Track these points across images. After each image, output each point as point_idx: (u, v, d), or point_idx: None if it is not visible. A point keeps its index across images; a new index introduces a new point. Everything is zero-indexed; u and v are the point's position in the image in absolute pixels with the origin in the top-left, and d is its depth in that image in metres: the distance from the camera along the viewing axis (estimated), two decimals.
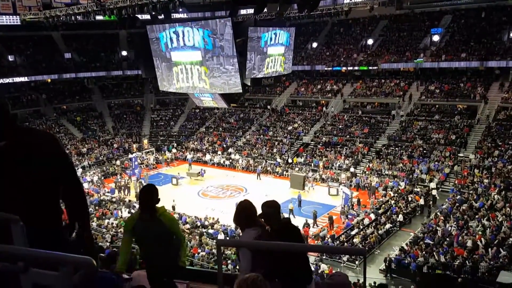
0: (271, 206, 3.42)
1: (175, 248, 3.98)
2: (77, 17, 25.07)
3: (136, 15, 23.34)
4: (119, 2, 22.72)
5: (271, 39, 19.63)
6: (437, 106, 36.13)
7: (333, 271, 16.77)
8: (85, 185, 29.31)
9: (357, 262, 18.77)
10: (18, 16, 32.71)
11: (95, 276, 1.61)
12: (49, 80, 45.48)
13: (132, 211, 25.70)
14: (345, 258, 19.25)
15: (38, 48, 45.04)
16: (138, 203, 3.85)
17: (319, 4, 22.64)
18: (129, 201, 27.81)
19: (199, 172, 33.52)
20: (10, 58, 42.47)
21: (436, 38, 39.47)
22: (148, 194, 3.84)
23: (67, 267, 1.49)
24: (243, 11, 34.58)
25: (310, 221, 23.61)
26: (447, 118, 34.37)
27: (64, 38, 47.12)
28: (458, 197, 24.46)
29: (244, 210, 3.50)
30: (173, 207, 25.77)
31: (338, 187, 28.60)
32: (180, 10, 26.42)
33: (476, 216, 21.20)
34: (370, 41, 43.26)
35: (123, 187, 30.73)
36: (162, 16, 22.30)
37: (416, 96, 37.69)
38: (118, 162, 37.05)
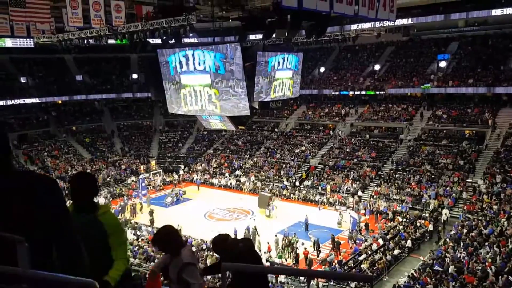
0: (224, 240, 3.66)
1: (106, 258, 2.93)
2: (89, 40, 25.59)
3: (147, 40, 23.77)
4: (130, 27, 23.19)
5: (279, 63, 19.89)
6: (444, 131, 36.01)
7: None
8: None
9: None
10: (32, 39, 33.48)
11: None
12: (60, 102, 46.15)
13: (138, 233, 25.63)
14: (352, 285, 18.91)
15: (50, 70, 45.96)
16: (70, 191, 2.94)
17: (327, 30, 22.94)
18: (135, 223, 27.75)
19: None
20: (23, 79, 43.30)
21: (443, 64, 39.67)
22: (80, 180, 2.94)
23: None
24: (252, 36, 35.11)
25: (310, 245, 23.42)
26: (455, 143, 34.21)
27: (76, 61, 48.08)
28: (467, 222, 24.13)
29: (172, 234, 3.55)
30: (179, 231, 25.55)
31: (345, 212, 28.35)
32: (191, 35, 26.91)
33: (486, 243, 20.82)
34: (377, 67, 43.57)
35: (129, 209, 30.74)
36: (173, 41, 22.72)
37: (424, 121, 37.64)
38: (129, 181, 37.26)
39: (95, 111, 48.27)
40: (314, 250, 23.31)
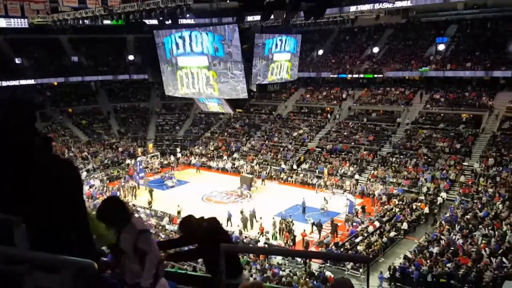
0: (189, 221, 3.56)
1: None
2: (85, 21, 25.27)
3: (143, 20, 23.48)
4: (126, 7, 22.89)
5: (276, 45, 19.66)
6: (442, 114, 36.03)
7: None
8: (88, 188, 29.42)
9: (361, 270, 18.66)
10: (26, 19, 33.00)
11: (97, 280, 1.61)
12: (56, 83, 45.77)
13: (136, 215, 25.73)
14: (349, 266, 19.16)
15: (45, 51, 45.41)
16: None
17: (326, 12, 22.70)
18: (133, 205, 27.85)
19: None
20: (18, 60, 42.82)
21: (441, 47, 39.45)
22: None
23: (68, 270, 1.49)
24: (249, 18, 34.69)
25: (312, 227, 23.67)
26: (452, 127, 34.28)
27: (72, 41, 47.54)
28: (463, 204, 24.37)
29: (117, 204, 3.25)
30: (179, 212, 25.73)
31: (342, 195, 28.56)
32: (188, 15, 26.56)
33: (480, 226, 21.04)
34: (375, 49, 43.31)
35: (127, 191, 30.87)
36: (170, 21, 22.43)
37: (421, 104, 37.61)
38: (128, 161, 37.40)
39: (91, 93, 47.96)
40: (312, 232, 23.55)
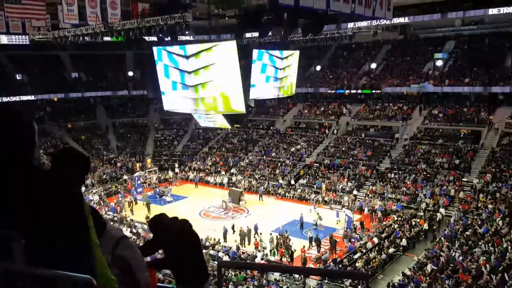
0: (159, 219, 3.31)
1: None
2: (85, 37, 25.50)
3: (143, 37, 23.72)
4: (126, 24, 23.13)
5: (272, 62, 19.88)
6: (440, 130, 36.13)
7: None
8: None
9: (359, 287, 18.47)
10: (27, 36, 33.31)
11: None
12: (56, 99, 45.94)
13: (134, 230, 25.58)
14: (347, 283, 18.97)
15: (45, 67, 45.68)
16: None
17: (323, 29, 22.98)
18: (131, 220, 27.70)
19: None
20: (18, 76, 43.06)
21: (439, 63, 39.80)
22: None
23: (66, 285, 1.49)
24: (248, 34, 35.07)
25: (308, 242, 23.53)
26: (451, 142, 34.31)
27: (72, 58, 47.86)
28: (462, 221, 24.27)
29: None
30: None
31: (341, 210, 28.45)
32: (187, 32, 26.87)
33: (480, 242, 20.93)
34: (373, 65, 43.65)
35: (124, 206, 30.74)
36: (169, 38, 22.66)
37: (420, 120, 37.76)
38: (125, 177, 37.26)
39: (90, 108, 48.10)
40: (310, 247, 23.41)
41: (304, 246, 22.52)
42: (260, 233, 24.33)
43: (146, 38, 26.52)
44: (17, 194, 1.69)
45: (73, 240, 1.76)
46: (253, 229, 24.71)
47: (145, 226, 26.53)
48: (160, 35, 22.69)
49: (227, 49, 17.63)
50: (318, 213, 27.47)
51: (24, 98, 41.56)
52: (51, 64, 46.05)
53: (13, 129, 1.78)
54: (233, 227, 25.25)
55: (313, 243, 23.67)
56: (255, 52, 19.71)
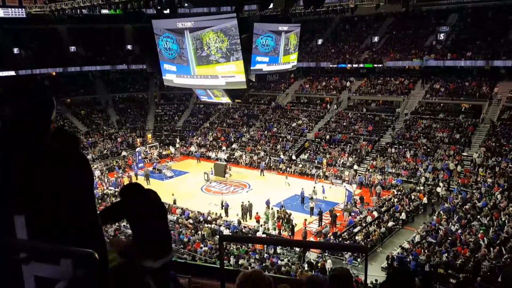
0: (131, 187, 3.26)
1: None
2: (83, 10, 25.10)
3: (141, 9, 23.35)
4: None
5: (262, 45, 19.54)
6: (441, 104, 35.97)
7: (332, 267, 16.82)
8: None
9: (359, 260, 18.76)
10: (23, 9, 32.77)
11: (98, 269, 1.60)
12: (54, 73, 45.59)
13: None
14: (347, 256, 19.24)
15: (43, 41, 45.09)
16: None
17: (325, 1, 22.56)
18: None
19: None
20: (16, 50, 42.57)
21: (442, 36, 39.25)
22: None
23: (68, 259, 1.49)
24: (247, 7, 34.48)
25: (312, 218, 23.78)
26: (452, 117, 34.22)
27: (70, 31, 47.21)
28: (461, 194, 24.45)
29: None
30: (174, 201, 25.92)
31: (341, 185, 28.63)
32: (186, 5, 26.38)
33: (479, 216, 21.14)
34: (375, 39, 43.07)
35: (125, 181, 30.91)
36: (168, 11, 22.29)
37: (421, 94, 37.53)
38: (124, 153, 37.35)
39: (89, 83, 47.79)
40: (311, 216, 23.59)
41: (305, 220, 22.73)
42: (272, 208, 24.48)
43: (145, 11, 26.11)
44: (25, 166, 1.67)
45: (81, 215, 1.76)
46: (265, 204, 24.83)
47: None
48: (159, 7, 22.32)
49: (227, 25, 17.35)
50: (314, 188, 27.64)
51: (22, 72, 41.21)
52: (49, 38, 45.45)
53: (35, 100, 1.75)
54: (222, 203, 25.54)
55: (314, 217, 23.91)
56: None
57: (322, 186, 28.19)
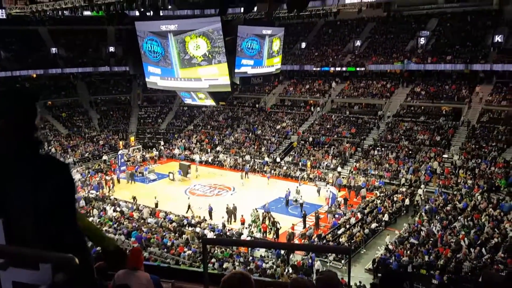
0: None
1: None
2: (64, 12, 24.74)
3: (124, 11, 23.14)
4: None
5: (248, 48, 19.60)
6: (422, 107, 36.58)
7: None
8: None
9: (343, 261, 18.88)
10: (3, 10, 32.08)
11: (78, 275, 1.57)
12: (35, 75, 44.82)
13: (118, 209, 25.50)
14: (331, 257, 19.36)
15: (24, 42, 44.30)
16: None
17: (308, 5, 22.72)
18: (115, 199, 27.57)
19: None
20: None
21: (422, 40, 39.93)
22: None
23: (47, 264, 1.46)
24: (231, 10, 34.50)
25: (297, 221, 23.83)
26: (432, 119, 34.81)
27: (51, 33, 46.53)
28: (443, 196, 24.85)
29: None
30: (156, 205, 25.80)
31: (324, 187, 28.77)
32: (169, 7, 26.27)
33: (460, 217, 21.50)
34: (358, 43, 43.56)
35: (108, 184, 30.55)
36: (151, 13, 22.13)
37: (402, 97, 38.08)
38: (105, 157, 36.91)
39: (71, 85, 47.10)
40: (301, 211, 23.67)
41: (293, 225, 22.72)
42: (257, 210, 24.25)
43: (128, 13, 25.89)
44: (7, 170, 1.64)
45: (60, 217, 1.72)
46: (262, 210, 24.46)
47: (129, 205, 26.49)
48: (142, 9, 22.14)
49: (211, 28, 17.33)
50: (297, 188, 27.70)
51: (1, 74, 40.40)
52: (30, 39, 44.69)
53: (16, 108, 1.73)
54: (188, 206, 25.47)
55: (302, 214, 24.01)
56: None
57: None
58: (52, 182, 1.67)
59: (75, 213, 1.80)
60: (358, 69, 41.31)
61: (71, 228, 1.73)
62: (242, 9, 32.73)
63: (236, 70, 19.10)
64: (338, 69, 42.23)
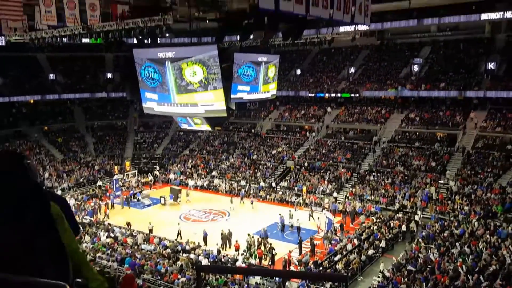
0: None
1: None
2: (63, 39, 25.02)
3: (122, 39, 23.43)
4: (106, 26, 22.79)
5: (244, 74, 19.89)
6: (417, 133, 36.88)
7: None
8: None
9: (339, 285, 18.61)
10: (3, 37, 32.45)
11: None
12: (32, 101, 45.02)
13: (112, 234, 25.21)
14: (327, 285, 19.09)
15: (22, 68, 44.70)
16: None
17: (303, 33, 23.16)
18: (109, 224, 27.29)
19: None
20: None
21: (416, 68, 40.63)
22: None
23: None
24: (228, 38, 35.11)
25: (292, 247, 23.61)
26: (427, 145, 35.04)
27: (49, 59, 47.05)
28: (439, 222, 24.75)
29: None
30: (150, 230, 25.56)
31: (320, 212, 28.63)
32: (167, 35, 26.69)
33: (457, 243, 21.37)
34: (352, 70, 44.25)
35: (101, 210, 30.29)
36: (149, 41, 22.44)
37: (397, 123, 38.43)
38: (100, 183, 36.69)
39: (68, 111, 47.28)
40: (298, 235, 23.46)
41: (290, 251, 22.51)
42: (252, 236, 24.06)
43: (126, 40, 26.20)
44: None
45: (44, 242, 1.72)
46: (258, 236, 24.26)
47: (123, 230, 26.21)
48: (140, 37, 22.45)
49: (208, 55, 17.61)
50: (290, 214, 27.58)
51: (0, 100, 40.61)
52: (28, 65, 45.12)
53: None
54: (178, 232, 25.34)
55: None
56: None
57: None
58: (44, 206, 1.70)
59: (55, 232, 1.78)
60: (352, 95, 41.82)
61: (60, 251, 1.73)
62: (238, 37, 33.31)
63: (232, 96, 19.30)
64: (333, 95, 42.76)
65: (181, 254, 22.25)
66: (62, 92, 45.45)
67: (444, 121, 36.63)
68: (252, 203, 31.61)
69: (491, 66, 36.94)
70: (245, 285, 18.81)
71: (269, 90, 22.22)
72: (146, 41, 22.24)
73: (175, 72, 18.79)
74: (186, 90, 19.22)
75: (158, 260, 21.19)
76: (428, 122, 37.02)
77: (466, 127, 34.96)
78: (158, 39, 23.28)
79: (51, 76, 45.91)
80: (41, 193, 1.75)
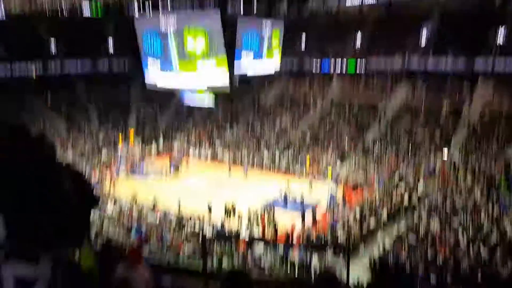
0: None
1: None
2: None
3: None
4: None
5: (255, 36, 19.60)
6: (423, 105, 36.54)
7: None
8: None
9: (341, 256, 18.84)
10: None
11: (76, 269, 1.57)
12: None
13: (117, 205, 25.43)
14: (329, 255, 19.33)
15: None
16: None
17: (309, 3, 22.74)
18: (114, 195, 27.56)
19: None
20: None
21: (423, 39, 39.77)
22: None
23: (47, 258, 1.45)
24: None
25: (295, 217, 23.85)
26: (433, 118, 34.81)
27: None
28: (442, 194, 24.87)
29: None
30: (156, 201, 25.65)
31: (323, 184, 28.80)
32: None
33: (459, 215, 21.51)
34: (358, 41, 43.29)
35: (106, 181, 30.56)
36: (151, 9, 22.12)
37: (403, 95, 38.09)
38: (104, 152, 36.88)
39: (70, 79, 46.86)
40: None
41: (292, 223, 22.72)
42: (238, 213, 24.19)
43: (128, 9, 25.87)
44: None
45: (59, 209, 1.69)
46: (263, 206, 24.45)
47: (129, 201, 26.43)
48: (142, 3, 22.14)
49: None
50: (287, 186, 27.70)
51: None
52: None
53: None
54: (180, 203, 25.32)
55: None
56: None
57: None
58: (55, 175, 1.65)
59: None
60: (358, 67, 41.19)
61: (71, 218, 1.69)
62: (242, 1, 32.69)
63: (236, 61, 19.06)
64: (338, 67, 42.13)
65: (186, 224, 22.51)
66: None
67: (450, 92, 36.22)
68: (246, 171, 31.85)
69: (501, 36, 36.08)
70: (249, 256, 19.09)
71: (273, 57, 21.92)
72: (148, 10, 21.93)
73: (177, 38, 18.53)
74: (189, 57, 19.00)
75: (163, 230, 21.48)
76: (434, 94, 36.61)
77: (473, 99, 34.58)
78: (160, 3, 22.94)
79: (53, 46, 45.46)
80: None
